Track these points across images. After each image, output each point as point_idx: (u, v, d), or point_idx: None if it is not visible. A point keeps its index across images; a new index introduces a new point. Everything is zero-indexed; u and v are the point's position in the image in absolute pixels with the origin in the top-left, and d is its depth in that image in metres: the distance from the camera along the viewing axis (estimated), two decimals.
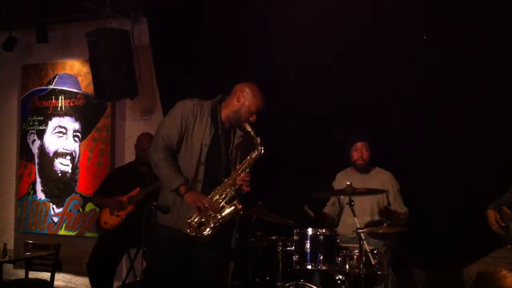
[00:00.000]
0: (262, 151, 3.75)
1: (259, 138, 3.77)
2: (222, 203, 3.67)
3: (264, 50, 5.47)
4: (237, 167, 3.80)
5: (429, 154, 5.05)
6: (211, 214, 3.63)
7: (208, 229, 3.63)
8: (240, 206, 3.67)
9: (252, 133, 3.78)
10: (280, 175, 5.42)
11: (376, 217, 4.79)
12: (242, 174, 3.74)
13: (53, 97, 6.96)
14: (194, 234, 3.63)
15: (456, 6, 4.92)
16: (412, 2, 5.04)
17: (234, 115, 3.87)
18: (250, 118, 3.84)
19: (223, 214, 3.65)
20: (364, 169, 4.99)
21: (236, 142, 3.92)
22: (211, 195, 3.71)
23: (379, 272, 4.22)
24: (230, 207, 3.66)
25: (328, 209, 5.08)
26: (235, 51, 5.61)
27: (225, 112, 3.89)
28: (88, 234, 6.60)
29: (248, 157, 3.79)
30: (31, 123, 7.06)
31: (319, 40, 5.24)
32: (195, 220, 3.65)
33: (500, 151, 4.80)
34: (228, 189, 3.72)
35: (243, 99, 3.86)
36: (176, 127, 3.78)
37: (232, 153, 3.89)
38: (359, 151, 4.96)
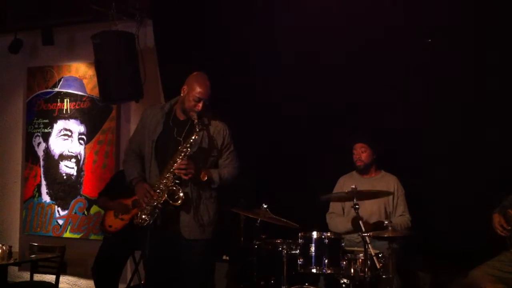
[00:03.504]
0: (191, 140, 3.86)
1: (198, 127, 3.87)
2: (160, 192, 3.83)
3: (267, 50, 5.48)
4: (174, 156, 3.88)
5: (432, 155, 5.03)
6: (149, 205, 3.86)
7: (144, 216, 3.85)
8: (179, 195, 3.81)
9: (195, 121, 3.89)
10: (284, 177, 5.42)
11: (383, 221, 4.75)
12: (178, 163, 3.83)
13: (59, 100, 6.97)
14: (136, 221, 3.89)
15: (456, 6, 4.91)
16: (413, 3, 5.03)
17: (182, 107, 4.01)
18: (195, 108, 3.92)
19: (159, 203, 3.82)
20: (365, 170, 4.96)
21: (196, 131, 3.93)
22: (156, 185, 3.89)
23: (384, 276, 4.20)
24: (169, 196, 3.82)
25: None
26: (238, 51, 5.62)
27: (178, 106, 4.05)
28: (93, 237, 6.60)
29: (181, 146, 3.88)
30: (36, 126, 7.08)
31: (322, 41, 5.24)
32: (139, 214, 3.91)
33: (503, 151, 4.78)
34: (165, 180, 3.84)
35: (186, 89, 3.99)
36: (137, 133, 4.22)
37: (190, 142, 3.92)
38: (357, 152, 4.95)
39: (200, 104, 3.90)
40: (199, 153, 3.97)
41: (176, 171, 3.82)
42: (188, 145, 3.84)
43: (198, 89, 3.92)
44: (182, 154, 3.83)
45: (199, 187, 3.96)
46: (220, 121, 4.12)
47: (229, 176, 4.07)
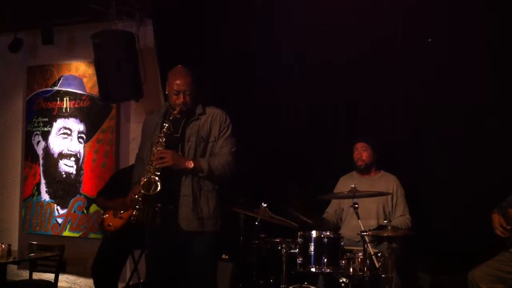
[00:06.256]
0: (164, 129, 3.86)
1: (168, 123, 3.88)
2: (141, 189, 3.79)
3: (267, 50, 5.49)
4: (153, 148, 3.89)
5: (432, 155, 5.03)
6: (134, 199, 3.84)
7: (135, 212, 3.80)
8: (156, 184, 3.77)
9: (176, 111, 3.91)
10: (284, 176, 5.42)
11: (382, 221, 4.77)
12: (155, 155, 3.83)
13: (58, 99, 6.98)
14: (131, 218, 3.82)
15: (457, 8, 4.92)
16: (414, 4, 5.04)
17: (170, 104, 4.03)
18: (177, 101, 3.94)
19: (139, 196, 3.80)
20: (365, 170, 4.97)
21: (194, 125, 3.99)
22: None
23: (383, 275, 4.20)
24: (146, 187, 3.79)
25: (328, 215, 5.06)
26: (238, 51, 5.62)
27: (170, 104, 4.05)
28: (92, 236, 6.61)
29: (156, 136, 3.91)
30: (36, 125, 7.08)
31: (322, 40, 5.25)
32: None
33: (503, 151, 4.79)
34: (147, 173, 3.82)
35: (167, 86, 4.04)
36: (141, 141, 4.24)
37: (189, 137, 3.96)
38: (358, 151, 4.96)
39: (181, 96, 3.93)
40: (199, 141, 3.97)
41: (154, 162, 3.82)
42: (162, 134, 3.86)
43: (175, 82, 3.96)
44: (158, 144, 3.85)
45: (199, 179, 3.93)
46: (217, 108, 4.11)
47: (221, 164, 3.96)
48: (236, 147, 4.09)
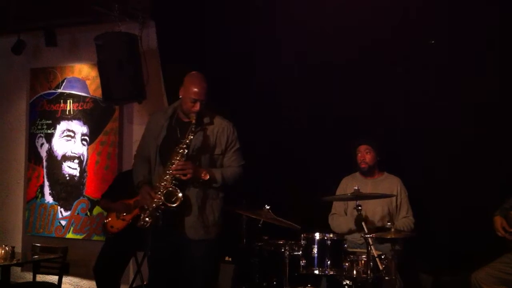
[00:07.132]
0: (187, 141, 3.83)
1: (193, 127, 3.84)
2: (160, 195, 3.79)
3: (268, 50, 5.48)
4: (172, 157, 3.85)
5: (434, 157, 5.02)
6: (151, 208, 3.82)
7: (146, 219, 3.80)
8: (177, 196, 3.78)
9: (192, 121, 3.87)
10: (286, 178, 5.41)
11: (386, 223, 4.75)
12: (175, 164, 3.80)
13: (62, 101, 6.98)
14: (141, 223, 3.82)
15: (457, 7, 4.91)
16: (414, 4, 5.03)
17: (182, 108, 3.99)
18: (193, 109, 3.89)
19: (157, 205, 3.79)
20: (368, 172, 4.95)
21: (199, 134, 3.95)
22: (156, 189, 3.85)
23: (386, 277, 4.20)
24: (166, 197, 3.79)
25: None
26: (240, 51, 5.62)
27: (180, 108, 4.02)
28: (95, 238, 6.60)
29: (178, 147, 3.85)
30: (39, 127, 7.09)
31: (323, 40, 5.24)
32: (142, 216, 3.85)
33: (505, 152, 4.77)
34: (164, 182, 3.81)
35: (183, 91, 3.97)
36: (143, 139, 4.23)
37: (193, 143, 3.91)
38: (362, 154, 4.93)
39: (197, 105, 3.88)
40: (202, 152, 3.95)
41: (173, 172, 3.79)
42: (184, 146, 3.82)
43: (193, 90, 3.89)
44: (179, 155, 3.82)
45: (205, 187, 3.93)
46: (224, 119, 4.09)
47: (232, 176, 4.01)
48: (244, 161, 4.12)
